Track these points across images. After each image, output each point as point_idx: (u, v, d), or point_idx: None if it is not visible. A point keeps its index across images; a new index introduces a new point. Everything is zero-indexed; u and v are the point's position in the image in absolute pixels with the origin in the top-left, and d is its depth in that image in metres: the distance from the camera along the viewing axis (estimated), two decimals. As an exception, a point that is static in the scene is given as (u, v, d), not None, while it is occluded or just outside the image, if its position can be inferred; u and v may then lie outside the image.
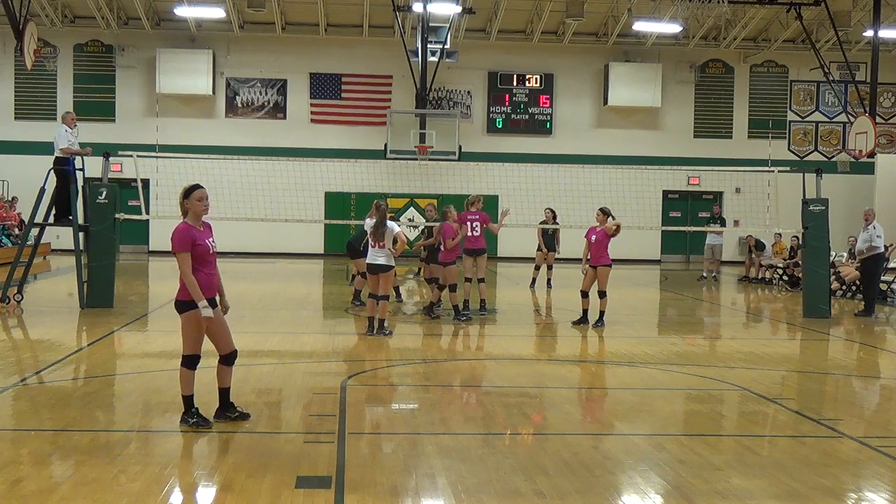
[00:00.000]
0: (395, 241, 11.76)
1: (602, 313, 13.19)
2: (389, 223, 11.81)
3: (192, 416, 6.85)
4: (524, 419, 7.73)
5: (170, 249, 6.74)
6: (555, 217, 18.99)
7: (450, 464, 6.09)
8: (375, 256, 11.80)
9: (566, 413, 8.00)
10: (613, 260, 13.38)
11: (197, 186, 6.90)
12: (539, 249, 19.16)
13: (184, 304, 6.72)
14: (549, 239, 19.05)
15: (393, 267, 11.96)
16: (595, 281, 13.19)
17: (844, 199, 25.61)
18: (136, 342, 11.53)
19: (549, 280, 19.10)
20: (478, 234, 14.34)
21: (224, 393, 7.09)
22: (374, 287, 12.01)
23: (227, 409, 7.07)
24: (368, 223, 12.20)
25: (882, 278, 16.90)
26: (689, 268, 28.01)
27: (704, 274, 22.72)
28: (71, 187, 14.45)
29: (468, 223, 14.29)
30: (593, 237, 13.20)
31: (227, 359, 7.05)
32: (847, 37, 27.63)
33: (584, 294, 13.39)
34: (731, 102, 30.22)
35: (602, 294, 13.16)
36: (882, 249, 15.52)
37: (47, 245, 23.05)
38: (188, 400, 6.88)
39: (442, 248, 13.63)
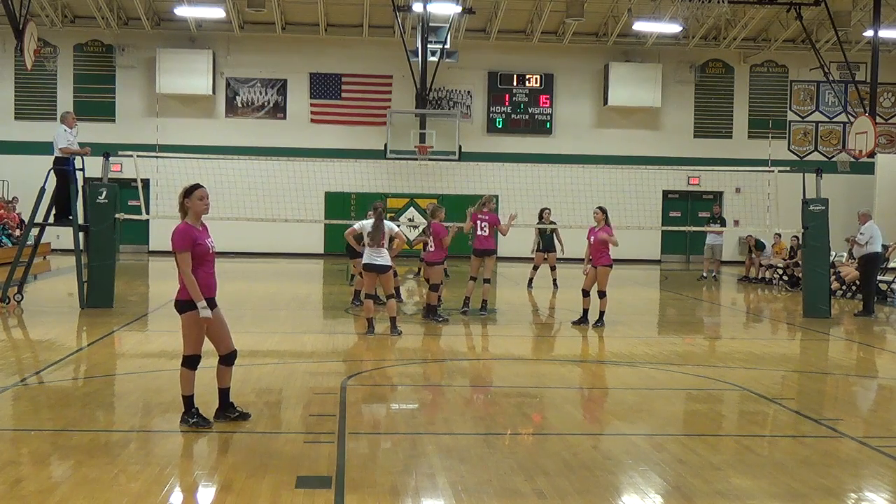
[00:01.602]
0: (392, 240, 11.76)
1: (602, 313, 13.19)
2: (387, 223, 11.83)
3: (192, 416, 6.86)
4: (524, 419, 7.73)
5: (170, 249, 6.75)
6: (546, 217, 18.62)
7: (450, 464, 6.09)
8: (373, 256, 11.76)
9: (566, 413, 8.00)
10: (614, 260, 13.38)
11: (198, 186, 6.93)
12: (538, 250, 19.07)
13: (184, 305, 6.72)
14: (548, 239, 18.97)
15: (391, 267, 11.94)
16: (596, 280, 13.21)
17: (844, 199, 25.59)
18: (136, 342, 11.53)
19: (554, 280, 18.95)
20: (486, 234, 14.32)
21: (224, 393, 7.09)
22: (370, 287, 12.00)
23: (227, 409, 7.08)
24: (366, 224, 12.05)
25: (882, 278, 16.90)
26: (689, 268, 28.01)
27: (704, 274, 22.72)
28: (71, 187, 14.44)
29: (478, 222, 14.29)
30: (592, 238, 13.21)
31: (227, 359, 7.06)
32: (847, 37, 27.62)
33: (586, 293, 13.39)
34: (731, 102, 30.21)
35: (602, 294, 13.16)
36: (878, 249, 15.52)
37: (47, 245, 23.06)
38: (188, 400, 6.89)
39: (430, 247, 13.62)
